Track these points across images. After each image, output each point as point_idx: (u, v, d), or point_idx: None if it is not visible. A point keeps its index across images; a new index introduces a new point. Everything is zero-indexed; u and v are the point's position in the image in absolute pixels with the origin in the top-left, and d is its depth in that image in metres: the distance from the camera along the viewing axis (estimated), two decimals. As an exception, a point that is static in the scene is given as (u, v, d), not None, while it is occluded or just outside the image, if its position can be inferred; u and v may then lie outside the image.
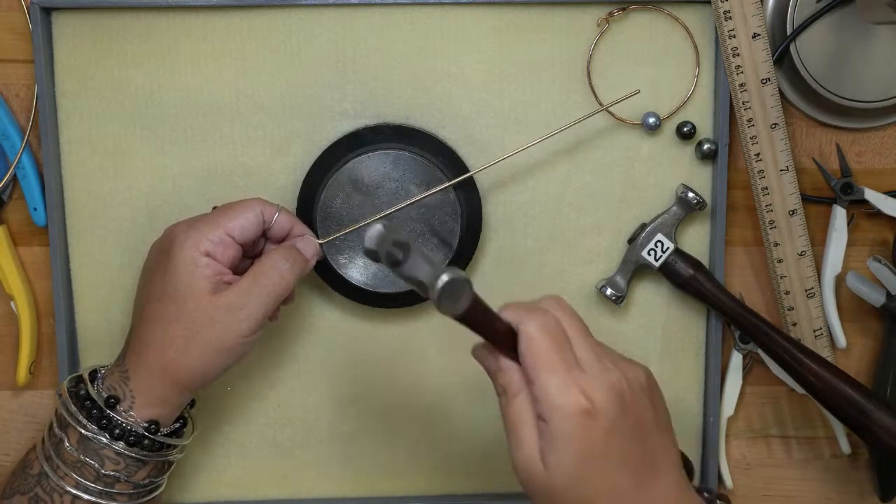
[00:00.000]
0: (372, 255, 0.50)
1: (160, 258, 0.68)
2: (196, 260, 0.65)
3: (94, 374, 0.69)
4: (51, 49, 0.76)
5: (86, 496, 0.65)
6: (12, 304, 0.79)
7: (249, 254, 0.71)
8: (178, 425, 0.70)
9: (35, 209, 0.77)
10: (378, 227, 0.49)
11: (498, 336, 0.56)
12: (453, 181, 0.75)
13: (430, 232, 0.76)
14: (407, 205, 0.74)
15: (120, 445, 0.65)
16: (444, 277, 0.49)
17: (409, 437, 0.83)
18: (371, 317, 0.81)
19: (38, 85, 0.75)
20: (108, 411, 0.65)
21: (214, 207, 0.70)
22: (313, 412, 0.82)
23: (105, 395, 0.66)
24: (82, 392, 0.67)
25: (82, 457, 0.65)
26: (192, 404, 0.73)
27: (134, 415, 0.66)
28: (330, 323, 0.81)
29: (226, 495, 0.83)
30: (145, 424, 0.66)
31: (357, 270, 0.76)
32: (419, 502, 0.84)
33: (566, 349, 0.55)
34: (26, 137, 0.77)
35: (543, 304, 0.58)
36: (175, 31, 0.76)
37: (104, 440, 0.65)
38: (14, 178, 0.78)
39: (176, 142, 0.78)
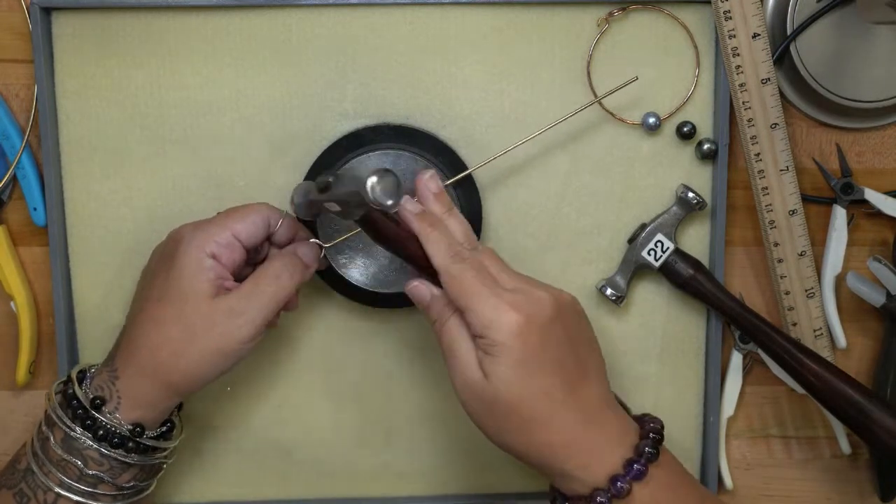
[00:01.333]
0: (302, 207, 0.69)
1: (163, 259, 0.67)
2: (201, 261, 0.65)
3: (83, 374, 0.68)
4: (51, 49, 0.76)
5: (69, 495, 0.64)
6: (12, 304, 0.79)
7: (252, 260, 0.71)
8: (164, 429, 0.69)
9: (35, 209, 0.77)
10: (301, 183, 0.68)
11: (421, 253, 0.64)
12: (451, 179, 0.75)
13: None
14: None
15: (104, 446, 0.64)
16: (374, 177, 0.58)
17: (409, 437, 0.83)
18: (371, 317, 0.81)
19: (38, 85, 0.75)
20: (93, 412, 0.65)
21: (218, 213, 0.69)
22: (313, 412, 0.82)
23: (91, 396, 0.65)
24: (70, 391, 0.66)
25: (66, 456, 0.64)
26: (179, 407, 0.73)
27: (119, 416, 0.65)
28: (330, 323, 0.81)
29: (225, 495, 0.83)
30: (130, 427, 0.65)
31: (357, 270, 0.76)
32: (419, 502, 0.84)
33: (489, 279, 0.62)
34: (26, 137, 0.77)
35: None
36: (175, 31, 0.76)
37: (88, 440, 0.64)
38: (14, 178, 0.78)
39: (176, 142, 0.78)
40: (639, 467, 0.60)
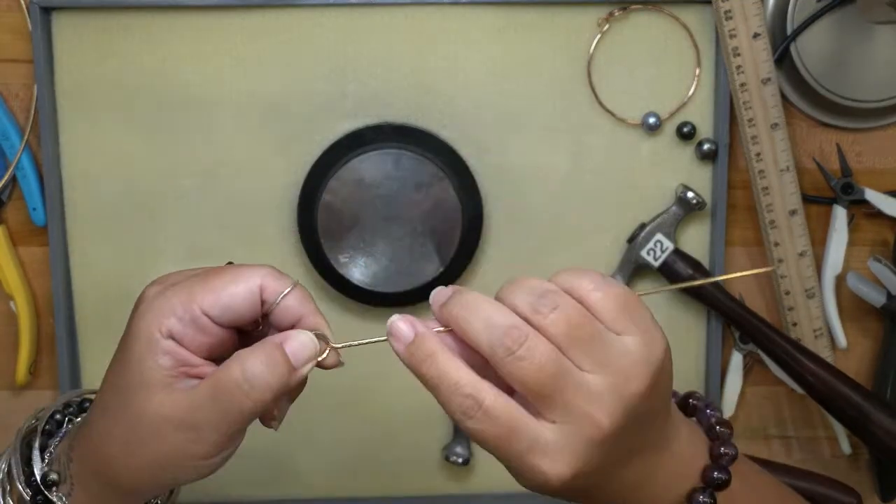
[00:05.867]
0: None
1: (126, 328, 0.51)
2: (153, 343, 0.48)
3: (63, 417, 0.56)
4: (51, 49, 0.76)
5: None
6: (12, 303, 0.79)
7: (251, 330, 0.53)
8: None
9: (34, 209, 0.77)
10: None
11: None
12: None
13: (430, 232, 0.76)
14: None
15: None
16: None
17: (408, 436, 0.83)
18: (371, 317, 0.81)
19: (38, 85, 0.75)
20: (48, 491, 0.52)
21: (198, 272, 0.50)
22: (313, 412, 0.82)
23: (45, 471, 0.52)
24: (32, 444, 0.54)
25: None
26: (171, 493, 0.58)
27: (71, 503, 0.52)
28: (330, 323, 0.81)
29: (225, 495, 0.83)
30: None
31: (357, 270, 0.76)
32: (419, 502, 0.84)
33: (564, 369, 0.45)
34: (26, 137, 0.77)
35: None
36: (175, 30, 0.76)
37: None
38: (13, 178, 0.78)
39: (176, 142, 0.78)
40: (705, 499, 0.50)
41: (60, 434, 0.55)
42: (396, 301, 0.77)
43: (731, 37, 0.75)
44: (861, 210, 0.81)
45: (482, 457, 0.83)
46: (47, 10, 0.75)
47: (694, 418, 0.55)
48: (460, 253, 0.77)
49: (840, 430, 0.84)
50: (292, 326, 0.51)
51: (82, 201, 0.78)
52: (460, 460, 0.81)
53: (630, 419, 0.46)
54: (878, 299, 0.79)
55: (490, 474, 0.84)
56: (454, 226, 0.76)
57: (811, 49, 0.77)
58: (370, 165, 0.75)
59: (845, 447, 0.84)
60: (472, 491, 0.84)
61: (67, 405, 0.57)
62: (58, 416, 0.56)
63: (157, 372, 0.48)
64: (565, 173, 0.80)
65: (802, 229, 0.78)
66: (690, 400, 0.56)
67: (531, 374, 0.45)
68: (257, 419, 0.51)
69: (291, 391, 0.51)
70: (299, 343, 0.50)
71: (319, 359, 0.51)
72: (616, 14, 0.77)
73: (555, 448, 0.45)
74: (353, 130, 0.77)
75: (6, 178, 0.77)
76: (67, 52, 0.76)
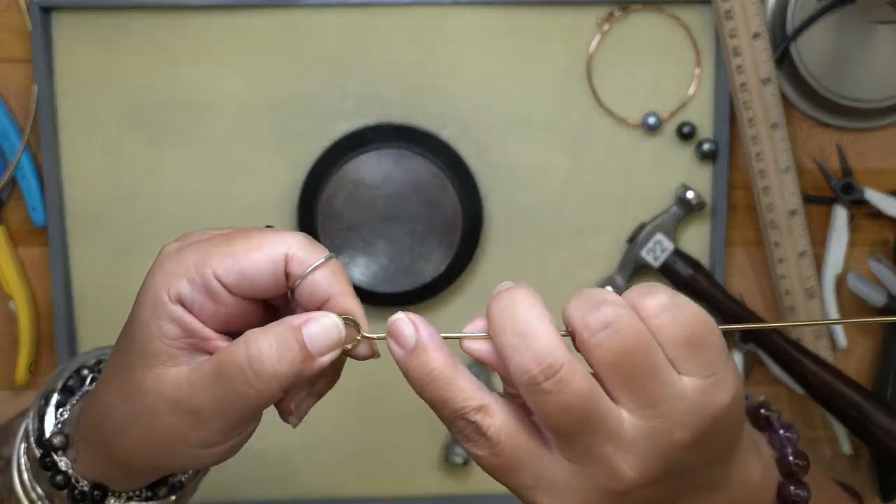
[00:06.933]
0: None
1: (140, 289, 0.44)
2: (159, 306, 0.42)
3: (82, 379, 0.52)
4: (50, 49, 0.76)
5: None
6: (11, 303, 0.79)
7: (281, 305, 0.46)
8: (144, 495, 0.49)
9: (34, 209, 0.77)
10: None
11: None
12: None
13: (430, 232, 0.76)
14: None
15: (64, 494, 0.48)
16: None
17: (409, 436, 0.83)
18: (371, 317, 0.80)
19: (38, 85, 0.75)
20: (52, 453, 0.48)
21: (220, 233, 0.44)
22: (314, 412, 0.82)
23: (55, 431, 0.49)
24: (46, 405, 0.50)
25: (36, 485, 0.49)
26: (181, 486, 0.52)
27: (78, 470, 0.48)
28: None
29: (226, 495, 0.83)
30: (88, 485, 0.47)
31: (358, 270, 0.76)
32: (419, 502, 0.84)
33: (595, 413, 0.38)
34: (25, 137, 0.77)
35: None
36: (175, 31, 0.76)
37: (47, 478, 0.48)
38: (13, 179, 0.78)
39: (176, 142, 0.78)
40: None
41: (80, 393, 0.50)
42: (396, 301, 0.77)
43: (731, 37, 0.75)
44: (861, 210, 0.81)
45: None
46: (47, 10, 0.75)
47: (766, 434, 0.47)
48: (460, 253, 0.77)
49: (840, 430, 0.84)
50: (320, 307, 0.43)
51: (82, 201, 0.78)
52: (460, 460, 0.81)
53: (666, 471, 0.39)
54: (878, 299, 0.79)
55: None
56: (454, 226, 0.76)
57: (811, 49, 0.77)
58: (370, 165, 0.75)
59: (845, 447, 0.84)
60: (472, 491, 0.84)
61: (99, 362, 0.52)
62: (84, 372, 0.51)
63: (160, 341, 0.42)
64: (565, 173, 0.79)
65: (803, 229, 0.78)
66: (762, 410, 0.48)
67: (555, 411, 0.37)
68: (274, 408, 0.45)
69: (312, 383, 0.45)
70: (320, 327, 0.42)
71: (347, 347, 0.44)
72: (616, 14, 0.77)
73: (562, 490, 0.39)
74: (353, 130, 0.77)
75: (6, 178, 0.77)
76: (67, 52, 0.76)
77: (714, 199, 0.79)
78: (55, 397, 0.50)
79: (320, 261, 0.42)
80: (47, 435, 0.48)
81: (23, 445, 0.49)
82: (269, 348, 0.41)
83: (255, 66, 0.77)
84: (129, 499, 0.48)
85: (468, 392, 0.39)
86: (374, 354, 0.45)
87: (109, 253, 0.79)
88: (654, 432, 0.38)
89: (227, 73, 0.77)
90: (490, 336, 0.39)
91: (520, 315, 0.38)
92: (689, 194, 0.78)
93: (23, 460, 0.49)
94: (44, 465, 0.47)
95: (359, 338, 0.44)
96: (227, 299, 0.42)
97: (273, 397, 0.42)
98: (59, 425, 0.49)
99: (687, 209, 0.78)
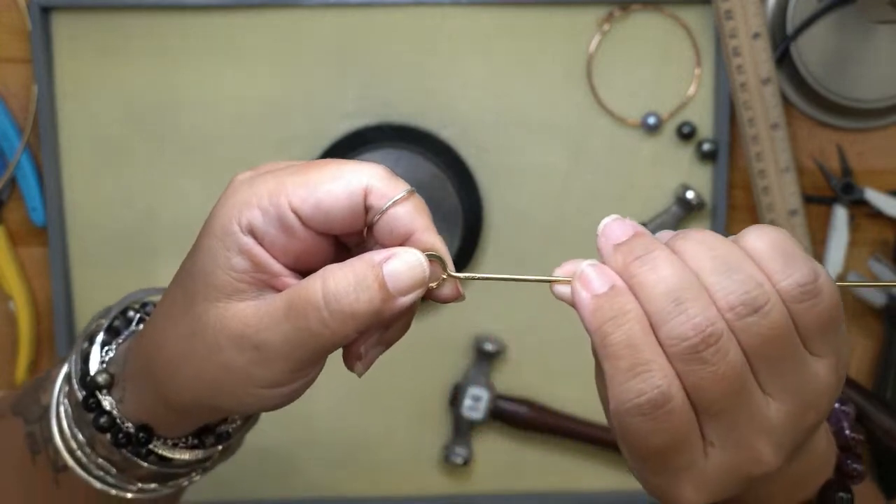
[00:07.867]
0: None
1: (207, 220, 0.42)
2: (228, 236, 0.39)
3: (120, 324, 0.50)
4: (50, 49, 0.76)
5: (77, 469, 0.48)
6: (11, 303, 0.79)
7: (354, 245, 0.43)
8: (188, 443, 0.49)
9: (34, 209, 0.77)
10: None
11: None
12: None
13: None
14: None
15: (106, 437, 0.46)
16: None
17: (408, 436, 0.83)
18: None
19: (38, 85, 0.75)
20: (97, 393, 0.46)
21: (295, 164, 0.43)
22: (313, 412, 0.82)
23: (100, 368, 0.47)
24: (91, 342, 0.48)
25: (75, 427, 0.48)
26: (227, 435, 0.51)
27: (123, 409, 0.46)
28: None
29: (225, 495, 0.83)
30: (132, 427, 0.46)
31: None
32: (419, 502, 0.84)
33: (747, 389, 0.37)
34: (25, 137, 0.77)
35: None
36: (175, 31, 0.76)
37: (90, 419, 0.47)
38: (13, 179, 0.78)
39: (176, 141, 0.78)
40: None
41: (126, 333, 0.49)
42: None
43: (732, 37, 0.75)
44: (861, 210, 0.81)
45: (482, 457, 0.83)
46: (47, 10, 0.75)
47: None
48: (460, 253, 0.77)
49: (840, 431, 0.84)
50: (401, 245, 0.40)
51: (82, 201, 0.78)
52: (460, 460, 0.81)
53: (794, 453, 0.39)
54: (878, 299, 0.79)
55: (490, 474, 0.84)
56: (454, 226, 0.76)
57: (811, 49, 0.77)
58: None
59: (845, 447, 0.84)
60: (472, 491, 0.84)
61: (145, 304, 0.51)
62: (130, 314, 0.50)
63: (227, 273, 0.39)
64: (565, 173, 0.79)
65: (803, 229, 0.78)
66: None
67: (710, 383, 0.36)
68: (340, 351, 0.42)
69: (386, 327, 0.42)
70: (403, 263, 0.39)
71: (432, 286, 0.40)
72: (616, 14, 0.77)
73: (705, 477, 0.38)
74: (354, 131, 0.77)
75: (6, 178, 0.77)
76: (67, 52, 0.76)
77: (714, 199, 0.79)
78: (100, 336, 0.48)
79: (402, 194, 0.39)
80: (92, 374, 0.47)
81: (64, 389, 0.48)
82: (348, 286, 0.38)
83: (255, 66, 0.77)
84: (175, 445, 0.47)
85: (660, 354, 0.37)
86: (460, 296, 0.41)
87: (109, 253, 0.79)
88: (792, 416, 0.37)
89: (227, 73, 0.77)
90: (628, 284, 0.38)
91: (669, 273, 0.37)
92: (689, 194, 0.78)
93: (62, 406, 0.48)
94: (87, 407, 0.46)
95: (444, 277, 0.40)
96: (301, 233, 0.39)
97: (347, 338, 0.40)
98: (104, 364, 0.47)
99: (687, 209, 0.78)
